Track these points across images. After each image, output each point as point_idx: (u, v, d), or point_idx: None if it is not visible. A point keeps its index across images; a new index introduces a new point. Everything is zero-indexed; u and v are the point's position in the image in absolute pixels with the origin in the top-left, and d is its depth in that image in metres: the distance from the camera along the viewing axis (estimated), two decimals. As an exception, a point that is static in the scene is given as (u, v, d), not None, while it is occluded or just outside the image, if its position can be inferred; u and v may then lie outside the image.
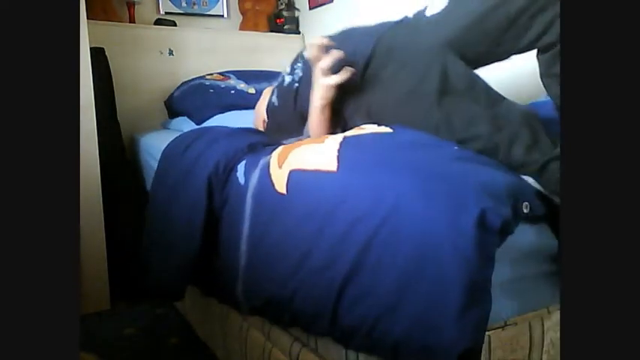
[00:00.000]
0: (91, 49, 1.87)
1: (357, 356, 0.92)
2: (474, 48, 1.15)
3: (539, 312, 0.94)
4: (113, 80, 2.20)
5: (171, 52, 2.53)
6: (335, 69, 1.15)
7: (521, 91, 1.56)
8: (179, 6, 2.71)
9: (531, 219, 0.84)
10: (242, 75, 2.40)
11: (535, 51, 1.14)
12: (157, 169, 1.54)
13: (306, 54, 1.13)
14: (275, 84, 1.53)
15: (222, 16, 2.84)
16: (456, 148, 0.98)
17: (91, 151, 1.86)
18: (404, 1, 2.17)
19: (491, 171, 0.89)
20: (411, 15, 1.29)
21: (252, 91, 2.27)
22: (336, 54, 1.14)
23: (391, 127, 1.08)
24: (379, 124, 1.14)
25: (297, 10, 2.88)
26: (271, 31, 2.88)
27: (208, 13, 2.81)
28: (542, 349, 0.94)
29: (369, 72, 1.19)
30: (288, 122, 1.40)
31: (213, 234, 1.23)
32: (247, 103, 2.09)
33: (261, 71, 2.48)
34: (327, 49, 1.15)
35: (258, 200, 1.09)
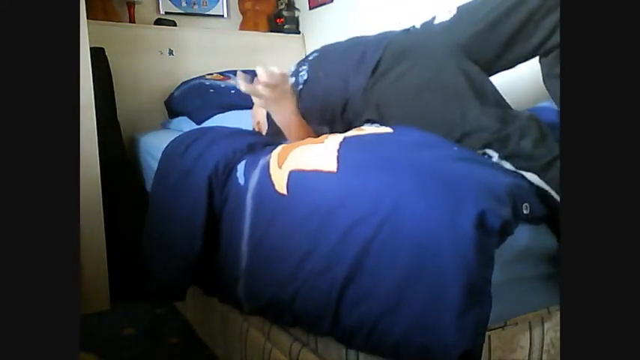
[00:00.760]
0: (91, 49, 1.87)
1: (357, 356, 0.92)
2: (483, 55, 1.18)
3: (539, 312, 0.94)
4: (113, 80, 2.20)
5: (171, 52, 2.53)
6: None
7: (520, 98, 1.57)
8: (179, 6, 2.71)
9: (531, 220, 0.84)
10: (242, 75, 2.40)
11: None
12: (157, 169, 1.54)
13: (242, 88, 1.11)
14: None
15: (222, 16, 2.84)
16: (456, 148, 0.98)
17: (91, 151, 1.86)
18: (403, 1, 2.18)
19: (491, 172, 0.89)
20: (418, 25, 1.32)
21: (252, 91, 2.27)
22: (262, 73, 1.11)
23: (391, 128, 1.09)
24: (388, 120, 1.15)
25: (297, 10, 2.88)
26: (271, 31, 2.88)
27: (208, 13, 2.81)
28: (542, 349, 0.94)
29: (379, 71, 1.20)
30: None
31: (213, 234, 1.23)
32: (247, 103, 2.07)
33: (261, 71, 2.48)
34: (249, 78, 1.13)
35: (258, 200, 1.09)
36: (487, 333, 0.84)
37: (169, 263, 1.33)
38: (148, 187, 1.94)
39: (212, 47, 2.64)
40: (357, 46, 1.31)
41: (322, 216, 0.92)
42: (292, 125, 1.21)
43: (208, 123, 2.08)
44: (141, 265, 1.49)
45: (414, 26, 1.32)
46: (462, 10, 1.23)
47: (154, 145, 1.95)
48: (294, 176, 1.01)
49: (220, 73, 2.40)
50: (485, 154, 1.00)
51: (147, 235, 1.49)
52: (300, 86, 1.36)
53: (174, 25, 2.60)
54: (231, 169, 1.23)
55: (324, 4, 2.69)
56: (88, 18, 1.86)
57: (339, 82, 1.28)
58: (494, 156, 0.98)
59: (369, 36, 1.37)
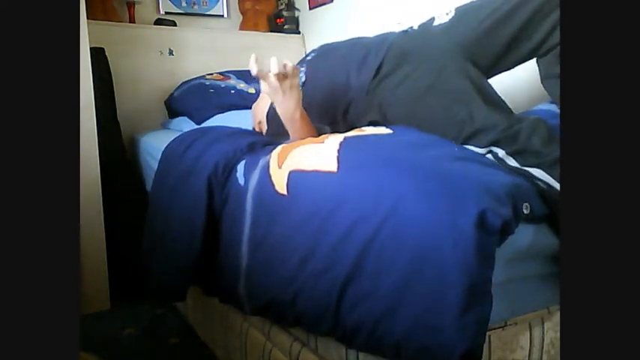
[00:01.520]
0: (91, 49, 1.87)
1: (358, 356, 0.92)
2: (484, 57, 1.19)
3: (539, 312, 0.94)
4: (113, 80, 2.20)
5: (171, 52, 2.53)
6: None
7: (515, 101, 1.58)
8: (179, 6, 2.71)
9: (532, 219, 0.84)
10: (242, 75, 2.40)
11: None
12: (157, 169, 1.54)
13: (253, 72, 1.11)
14: None
15: (222, 16, 2.84)
16: (456, 148, 0.98)
17: (91, 151, 1.86)
18: (403, 1, 2.18)
19: (492, 171, 0.89)
20: (415, 26, 1.32)
21: (252, 90, 2.27)
22: (274, 62, 1.12)
23: (391, 129, 1.09)
24: (391, 122, 1.15)
25: (297, 10, 2.88)
26: (271, 31, 2.88)
27: (208, 13, 2.81)
28: (542, 349, 0.94)
29: (382, 73, 1.20)
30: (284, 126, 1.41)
31: (214, 234, 1.23)
32: (247, 102, 2.09)
33: (261, 71, 2.48)
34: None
35: (258, 201, 1.09)
36: (487, 333, 0.84)
37: (169, 263, 1.33)
38: (148, 187, 1.94)
39: (212, 47, 2.64)
40: (357, 47, 1.31)
41: (322, 216, 0.91)
42: (295, 120, 1.21)
43: (208, 123, 2.08)
44: (141, 265, 1.49)
45: (412, 27, 1.32)
46: (460, 11, 1.24)
47: (154, 145, 1.95)
48: (294, 176, 1.01)
49: (220, 73, 2.40)
50: (491, 151, 0.99)
51: (147, 235, 1.49)
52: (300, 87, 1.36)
53: (174, 25, 2.60)
54: (231, 169, 1.23)
55: (324, 4, 2.69)
56: (88, 18, 1.86)
57: (340, 84, 1.28)
58: (500, 152, 0.98)
59: (368, 37, 1.37)
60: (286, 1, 2.87)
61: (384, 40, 1.29)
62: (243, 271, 1.11)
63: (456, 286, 0.73)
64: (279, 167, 1.04)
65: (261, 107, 1.58)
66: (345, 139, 1.02)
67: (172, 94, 2.37)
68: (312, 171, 0.98)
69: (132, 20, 2.54)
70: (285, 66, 1.12)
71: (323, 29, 2.73)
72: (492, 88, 1.17)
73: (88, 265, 1.85)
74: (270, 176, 1.06)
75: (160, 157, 1.55)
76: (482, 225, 0.73)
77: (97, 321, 1.81)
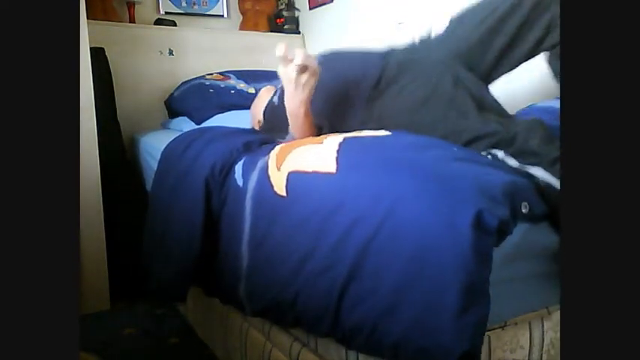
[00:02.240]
0: (91, 49, 1.87)
1: (357, 356, 0.92)
2: (481, 63, 1.23)
3: (539, 312, 0.94)
4: (113, 80, 2.20)
5: (171, 52, 2.54)
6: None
7: (517, 99, 1.59)
8: (179, 6, 2.72)
9: (531, 218, 0.83)
10: (242, 75, 2.40)
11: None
12: (157, 169, 1.54)
13: (279, 52, 1.14)
14: (277, 84, 1.53)
15: (222, 16, 2.84)
16: (455, 148, 0.98)
17: (91, 151, 1.86)
18: (403, 1, 2.18)
19: (490, 171, 0.89)
20: (417, 41, 1.37)
21: (252, 90, 2.28)
22: (300, 52, 1.14)
23: (390, 132, 1.09)
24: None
25: (297, 10, 2.88)
26: (271, 31, 2.88)
27: (208, 13, 2.81)
28: (542, 349, 0.94)
29: (380, 86, 1.22)
30: (283, 121, 1.41)
31: (214, 235, 1.23)
32: (247, 102, 2.09)
33: (261, 71, 2.48)
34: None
35: (257, 202, 1.09)
36: (487, 333, 0.84)
37: (169, 263, 1.33)
38: (148, 187, 1.94)
39: (212, 47, 2.64)
40: (359, 57, 1.33)
41: (322, 217, 0.91)
42: (299, 116, 1.21)
43: (208, 123, 2.08)
44: (141, 265, 1.49)
45: (414, 42, 1.37)
46: (453, 21, 1.28)
47: (154, 145, 1.95)
48: (293, 178, 1.00)
49: (220, 73, 2.40)
50: (490, 154, 1.00)
51: (147, 236, 1.49)
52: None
53: (175, 25, 2.60)
54: (228, 170, 1.23)
55: (324, 4, 2.69)
56: (88, 18, 1.86)
57: (340, 93, 1.28)
58: (499, 153, 0.98)
59: (372, 49, 1.39)
60: (286, 1, 2.87)
61: (385, 52, 1.31)
62: (243, 272, 1.11)
63: (454, 286, 0.73)
64: (278, 169, 1.04)
65: (259, 107, 1.58)
66: (344, 139, 1.02)
67: (172, 94, 2.37)
68: (311, 172, 0.98)
69: (132, 20, 2.54)
70: (307, 58, 1.14)
71: (323, 29, 2.73)
72: (490, 94, 1.19)
73: (88, 265, 1.85)
74: (268, 178, 1.06)
75: (159, 158, 1.55)
76: (479, 225, 0.73)
77: (97, 321, 1.82)
